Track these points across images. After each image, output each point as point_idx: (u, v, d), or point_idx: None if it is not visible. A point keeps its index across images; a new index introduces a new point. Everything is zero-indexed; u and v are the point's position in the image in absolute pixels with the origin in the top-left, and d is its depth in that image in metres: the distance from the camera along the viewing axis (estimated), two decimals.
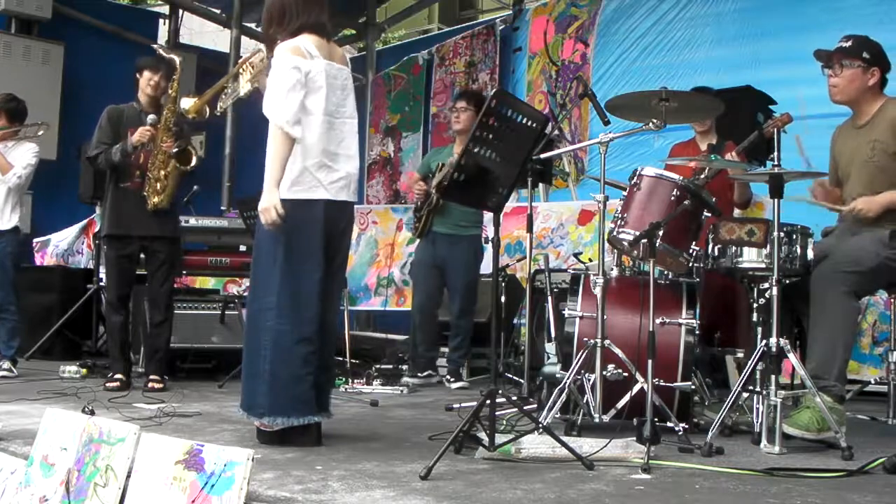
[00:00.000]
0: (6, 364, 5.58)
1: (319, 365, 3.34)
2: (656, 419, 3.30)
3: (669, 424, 3.51)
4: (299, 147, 3.32)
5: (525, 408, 3.67)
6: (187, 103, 4.42)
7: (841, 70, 3.81)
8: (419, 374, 5.66)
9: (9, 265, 5.76)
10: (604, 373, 3.63)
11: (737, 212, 4.96)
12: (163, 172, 5.01)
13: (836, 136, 4.08)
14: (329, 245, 3.36)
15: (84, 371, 5.60)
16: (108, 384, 4.91)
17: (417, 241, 5.97)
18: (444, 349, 5.91)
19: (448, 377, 5.74)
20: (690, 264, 3.82)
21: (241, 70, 3.69)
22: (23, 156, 5.73)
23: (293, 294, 3.27)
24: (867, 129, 3.85)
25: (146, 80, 5.12)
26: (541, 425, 3.18)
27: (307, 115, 3.32)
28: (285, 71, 3.29)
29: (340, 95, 3.43)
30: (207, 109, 4.40)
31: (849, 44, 3.83)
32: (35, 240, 8.33)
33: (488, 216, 6.32)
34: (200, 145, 8.48)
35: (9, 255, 5.76)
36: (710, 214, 3.82)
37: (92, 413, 2.88)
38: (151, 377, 5.02)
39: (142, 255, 5.20)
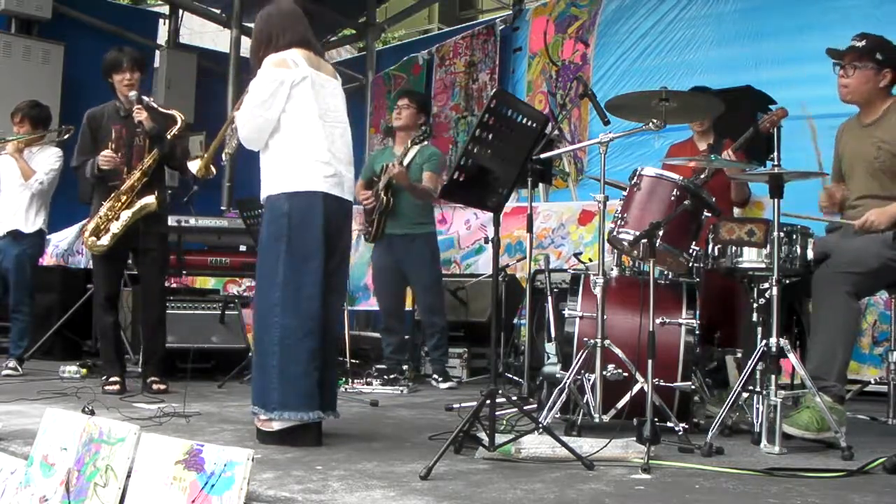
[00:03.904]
0: (12, 363, 5.64)
1: (323, 363, 3.34)
2: (656, 419, 3.29)
3: (669, 424, 3.51)
4: (294, 145, 3.37)
5: (525, 408, 3.68)
6: (195, 165, 4.54)
7: (853, 71, 3.77)
8: (386, 377, 5.54)
9: (28, 268, 5.87)
10: (604, 373, 3.63)
11: (737, 210, 4.97)
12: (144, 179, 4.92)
13: (842, 132, 4.07)
14: (328, 239, 3.36)
15: (84, 371, 5.59)
16: (106, 387, 4.81)
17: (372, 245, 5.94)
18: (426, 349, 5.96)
19: (435, 377, 5.75)
20: (690, 264, 3.81)
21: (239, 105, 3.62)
22: (46, 160, 5.89)
23: (297, 288, 3.28)
24: (873, 128, 3.84)
25: (119, 83, 4.97)
26: (541, 425, 3.18)
27: (298, 115, 3.37)
28: (262, 86, 3.36)
29: (331, 101, 3.47)
30: (214, 168, 4.59)
31: (862, 43, 3.78)
32: None
33: (487, 216, 6.36)
34: (200, 145, 8.48)
35: (29, 258, 5.89)
36: (710, 214, 3.82)
37: (92, 413, 2.87)
38: (153, 378, 4.92)
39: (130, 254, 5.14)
